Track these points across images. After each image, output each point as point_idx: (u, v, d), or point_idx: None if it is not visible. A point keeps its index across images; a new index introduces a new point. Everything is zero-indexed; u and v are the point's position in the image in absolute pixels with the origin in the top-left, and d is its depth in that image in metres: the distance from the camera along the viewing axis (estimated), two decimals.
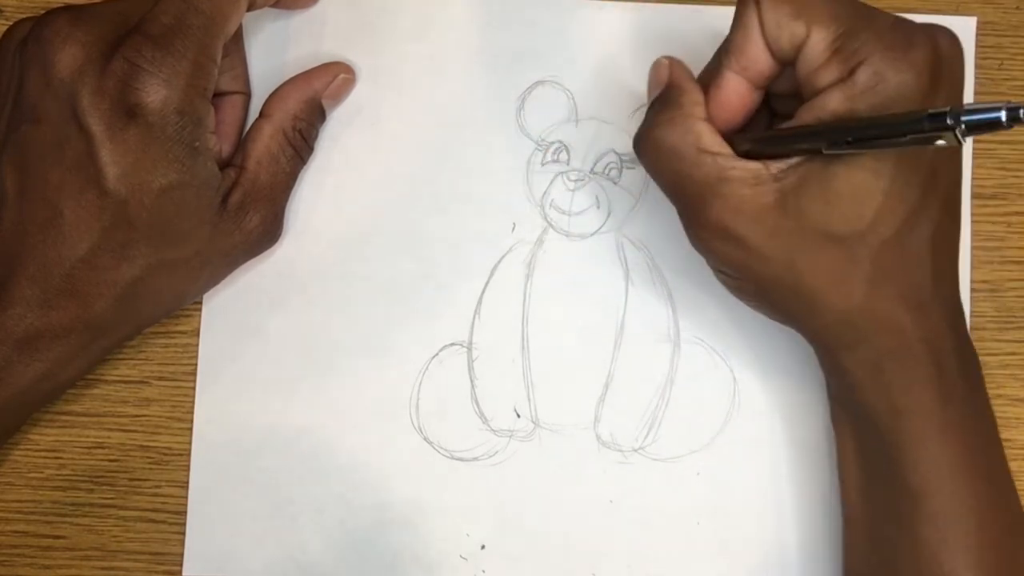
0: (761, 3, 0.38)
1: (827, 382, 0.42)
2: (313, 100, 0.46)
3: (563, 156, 0.47)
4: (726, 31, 0.40)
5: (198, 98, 0.40)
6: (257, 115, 0.45)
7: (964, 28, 0.47)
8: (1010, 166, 0.47)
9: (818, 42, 0.37)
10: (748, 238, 0.38)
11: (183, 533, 0.47)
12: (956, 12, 0.47)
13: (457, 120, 0.48)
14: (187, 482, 0.47)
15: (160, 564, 0.47)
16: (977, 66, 0.47)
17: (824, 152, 0.36)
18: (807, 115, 0.37)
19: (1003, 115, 0.31)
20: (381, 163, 0.48)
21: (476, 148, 0.48)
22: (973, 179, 0.47)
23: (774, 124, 0.42)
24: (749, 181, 0.37)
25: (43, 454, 0.47)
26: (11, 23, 0.43)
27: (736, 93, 0.39)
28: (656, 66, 0.41)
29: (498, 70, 0.48)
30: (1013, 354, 0.47)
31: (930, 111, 0.32)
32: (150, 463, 0.47)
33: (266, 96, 0.46)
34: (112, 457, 0.47)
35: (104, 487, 0.47)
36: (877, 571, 0.41)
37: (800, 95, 0.38)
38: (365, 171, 0.48)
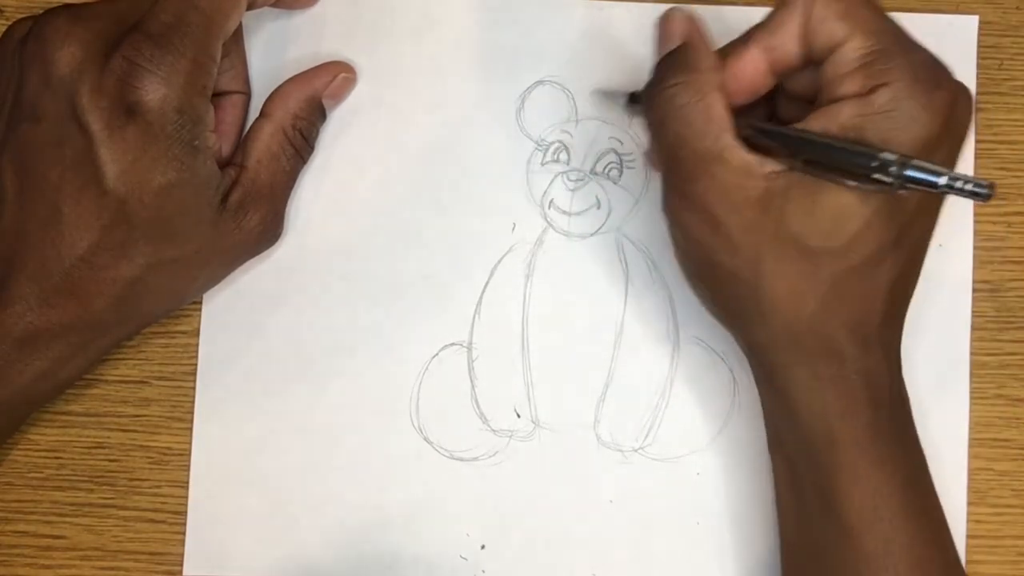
0: None
1: (764, 405, 0.42)
2: (314, 99, 0.46)
3: (563, 156, 0.47)
4: (726, 31, 0.40)
5: (197, 97, 0.40)
6: (257, 114, 0.45)
7: (966, 27, 0.47)
8: (1010, 166, 0.47)
9: (853, 49, 0.37)
10: (724, 224, 0.38)
11: (183, 533, 0.47)
12: (956, 11, 0.47)
13: (457, 120, 0.48)
14: (187, 482, 0.47)
15: (160, 564, 0.47)
16: (977, 66, 0.47)
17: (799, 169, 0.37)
18: (816, 122, 0.37)
19: (944, 179, 0.34)
20: (381, 163, 0.48)
21: (476, 148, 0.48)
22: None
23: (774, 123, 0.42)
24: (741, 171, 0.37)
25: (43, 454, 0.47)
26: (11, 23, 0.43)
27: (755, 70, 0.39)
28: (669, 19, 0.40)
29: (498, 70, 0.48)
30: (1013, 354, 0.47)
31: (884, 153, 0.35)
32: (150, 463, 0.47)
33: (266, 96, 0.46)
34: (112, 457, 0.47)
35: (104, 487, 0.47)
36: None
37: (812, 101, 0.38)
38: (365, 171, 0.48)
